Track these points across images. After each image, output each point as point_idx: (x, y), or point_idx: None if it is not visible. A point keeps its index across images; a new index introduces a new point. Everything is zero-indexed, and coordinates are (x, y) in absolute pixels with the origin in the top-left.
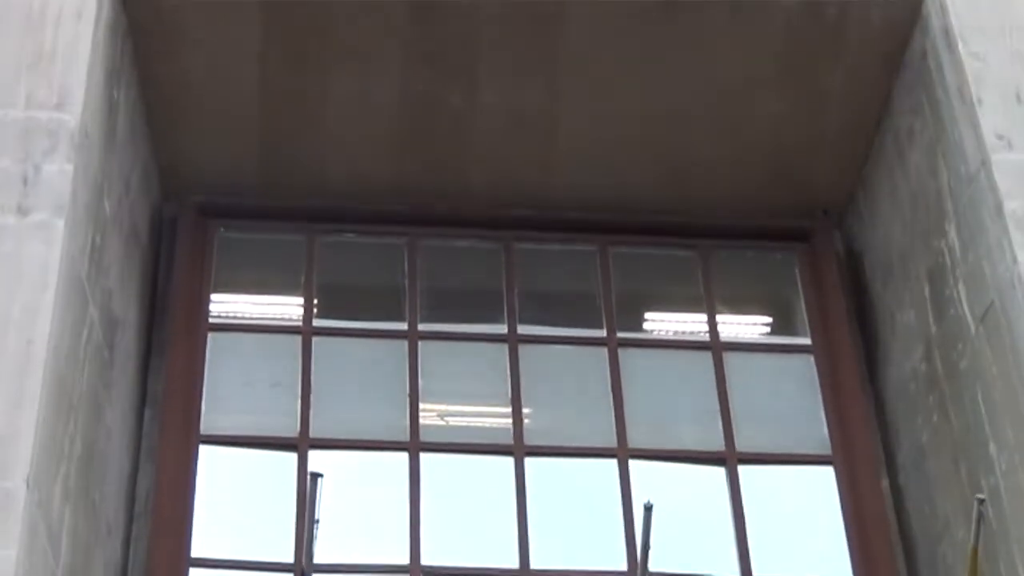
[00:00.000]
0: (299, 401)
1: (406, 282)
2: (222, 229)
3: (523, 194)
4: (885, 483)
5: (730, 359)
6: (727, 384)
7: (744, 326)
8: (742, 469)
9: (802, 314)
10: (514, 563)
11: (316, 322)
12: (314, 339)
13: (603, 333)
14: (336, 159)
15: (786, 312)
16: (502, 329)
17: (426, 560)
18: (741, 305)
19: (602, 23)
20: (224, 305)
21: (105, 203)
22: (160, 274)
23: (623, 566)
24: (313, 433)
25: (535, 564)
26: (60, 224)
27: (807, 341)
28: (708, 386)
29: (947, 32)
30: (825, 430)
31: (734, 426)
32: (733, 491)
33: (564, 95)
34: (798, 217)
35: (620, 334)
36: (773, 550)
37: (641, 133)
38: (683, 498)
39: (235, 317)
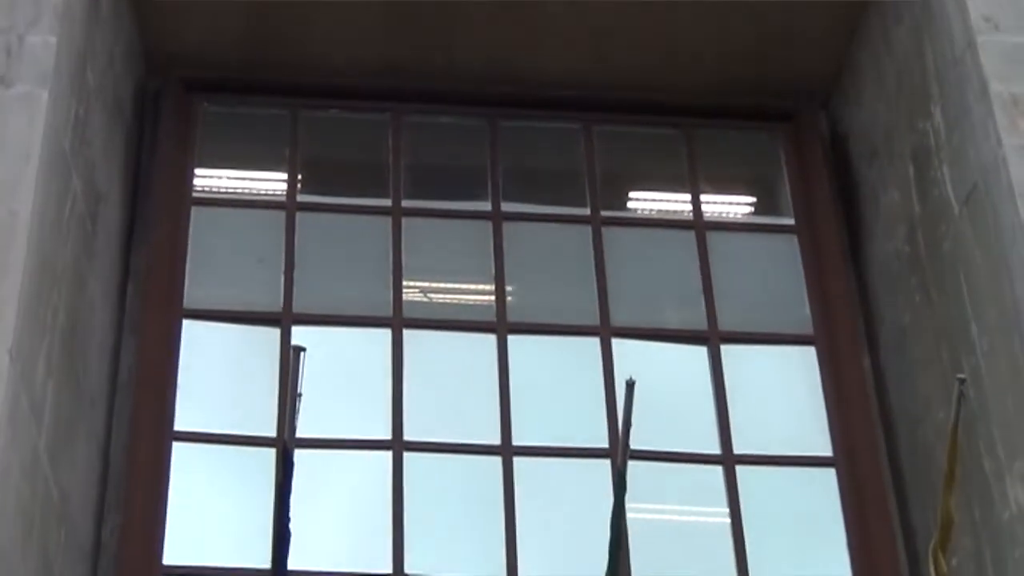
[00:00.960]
0: (282, 276)
1: (390, 158)
2: (206, 104)
3: (509, 71)
4: (867, 363)
5: (713, 239)
6: (710, 264)
7: (728, 206)
8: (724, 348)
9: (786, 194)
10: (496, 440)
11: (300, 197)
12: (298, 214)
13: (587, 211)
14: (321, 34)
15: (770, 192)
16: (486, 206)
17: (408, 436)
18: (725, 185)
19: None
20: (208, 180)
21: (89, 75)
22: (144, 149)
23: (604, 444)
24: (296, 308)
25: (516, 441)
26: (44, 95)
27: (790, 221)
28: (691, 266)
29: None
30: (807, 310)
31: (717, 305)
32: (715, 370)
33: None
34: (783, 97)
35: (604, 212)
36: (754, 429)
37: (627, 15)
38: (665, 377)
39: (219, 192)
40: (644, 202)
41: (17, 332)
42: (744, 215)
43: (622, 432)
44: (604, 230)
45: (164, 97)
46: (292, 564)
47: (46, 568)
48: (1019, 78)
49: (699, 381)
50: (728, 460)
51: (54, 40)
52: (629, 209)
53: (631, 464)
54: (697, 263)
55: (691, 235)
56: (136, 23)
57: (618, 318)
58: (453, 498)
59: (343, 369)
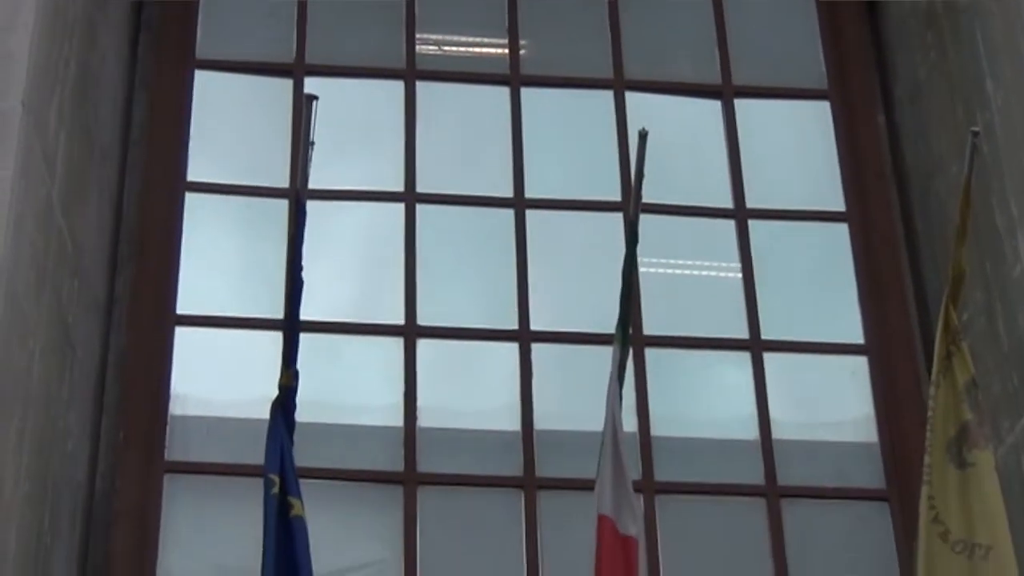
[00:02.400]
0: (295, 26)
1: None
2: None
3: None
4: (881, 119)
5: None
6: (725, 17)
7: None
8: (738, 102)
9: None
10: (508, 192)
11: None
12: None
13: None
14: None
15: None
16: None
17: (421, 188)
18: None
19: None
20: None
21: None
22: None
23: (617, 196)
24: (309, 59)
25: (529, 193)
26: None
27: None
28: (707, 18)
29: None
30: (822, 65)
31: (731, 58)
32: (728, 124)
33: None
34: None
35: None
36: (767, 184)
37: None
38: (679, 131)
39: None
40: None
41: (29, 83)
42: None
43: (634, 184)
44: None
45: None
46: (304, 314)
47: (60, 319)
48: None
49: (712, 135)
50: (740, 214)
51: None
52: None
53: (643, 218)
54: (712, 16)
55: None
56: None
57: (632, 71)
58: (465, 250)
59: (356, 121)
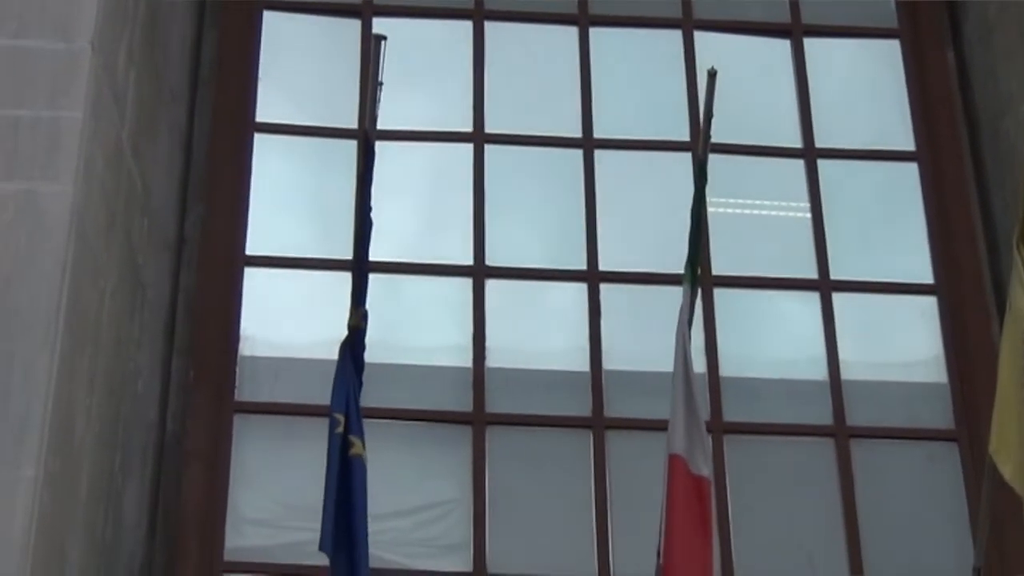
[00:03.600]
0: None
1: None
2: None
3: None
4: (951, 57)
5: None
6: None
7: None
8: (808, 41)
9: None
10: (577, 132)
11: None
12: None
13: None
14: None
15: None
16: None
17: (490, 128)
18: None
19: None
20: None
21: None
22: None
23: (686, 136)
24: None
25: (598, 134)
26: None
27: None
28: None
29: None
30: (892, 3)
31: None
32: (797, 63)
33: None
34: None
35: None
36: (836, 123)
37: None
38: (748, 70)
39: None
40: None
41: (98, 23)
42: None
43: (703, 123)
44: None
45: None
46: (373, 255)
47: (130, 259)
48: None
49: (782, 74)
50: (809, 154)
51: None
52: None
53: (712, 158)
54: None
55: None
56: None
57: (701, 10)
58: (533, 191)
59: (424, 61)
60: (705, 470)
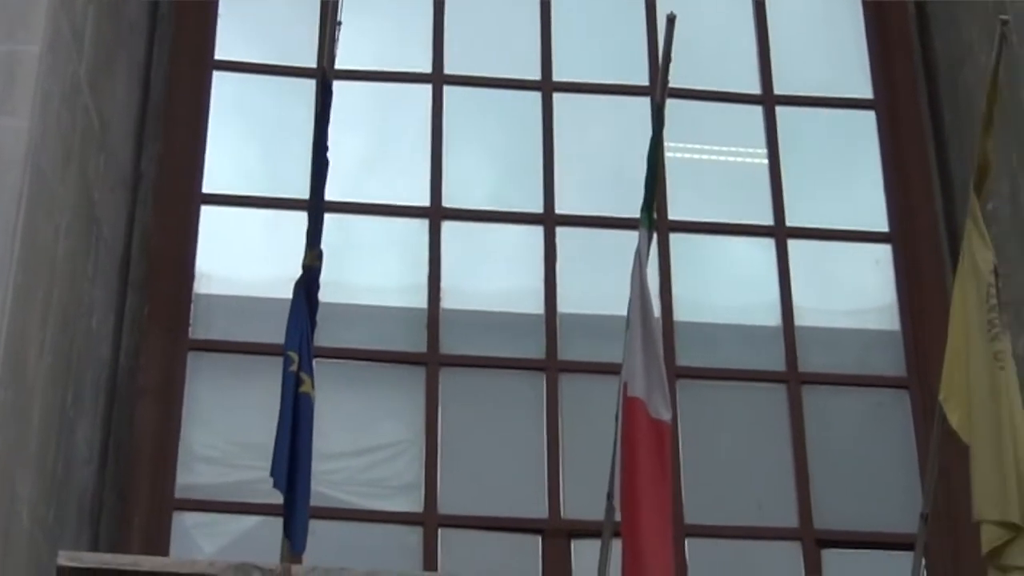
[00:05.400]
0: None
1: None
2: None
3: None
4: (911, 5)
5: None
6: None
7: None
8: None
9: None
10: (536, 75)
11: None
12: None
13: None
14: None
15: None
16: None
17: (448, 70)
18: None
19: None
20: None
21: None
22: None
23: (644, 80)
24: None
25: (557, 76)
26: None
27: None
28: None
29: None
30: None
31: None
32: (757, 9)
33: None
34: None
35: None
36: (794, 71)
37: None
38: (708, 15)
39: None
40: None
41: None
42: None
43: (661, 67)
44: None
45: None
46: (329, 195)
47: (85, 194)
48: None
49: (741, 21)
50: (768, 100)
51: None
52: None
53: (670, 103)
54: None
55: None
56: None
57: None
58: (491, 133)
59: (384, 1)
60: (665, 414)
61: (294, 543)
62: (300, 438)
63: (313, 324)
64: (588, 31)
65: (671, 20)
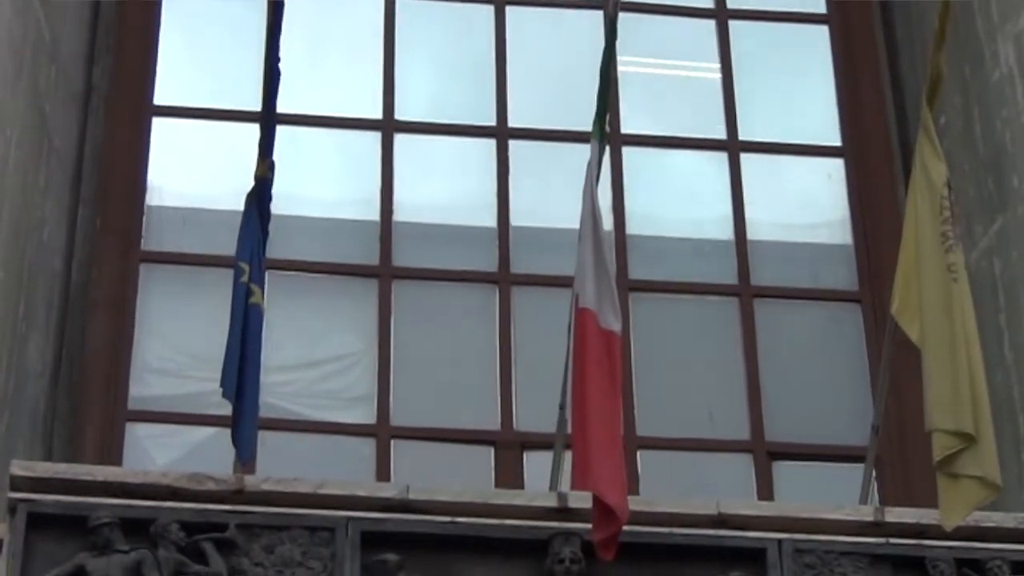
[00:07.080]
0: None
1: None
2: None
3: None
4: None
5: None
6: None
7: None
8: None
9: None
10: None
11: None
12: None
13: None
14: None
15: None
16: None
17: None
18: None
19: None
20: None
21: None
22: None
23: None
24: None
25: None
26: None
27: None
28: None
29: None
30: None
31: None
32: None
33: None
34: None
35: None
36: None
37: None
38: None
39: None
40: None
41: None
42: None
43: None
44: None
45: None
46: (281, 107)
47: (37, 107)
48: None
49: None
50: (721, 15)
51: None
52: None
53: (624, 16)
54: None
55: None
56: None
57: None
58: (444, 46)
59: None
60: (615, 325)
61: (241, 452)
62: (249, 348)
63: (265, 235)
64: None
65: None
